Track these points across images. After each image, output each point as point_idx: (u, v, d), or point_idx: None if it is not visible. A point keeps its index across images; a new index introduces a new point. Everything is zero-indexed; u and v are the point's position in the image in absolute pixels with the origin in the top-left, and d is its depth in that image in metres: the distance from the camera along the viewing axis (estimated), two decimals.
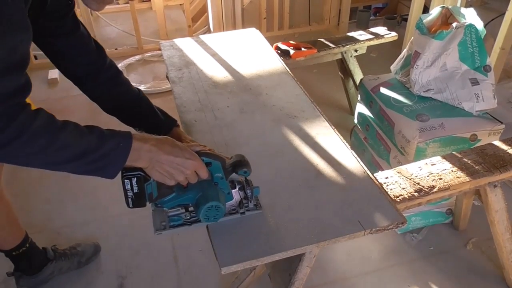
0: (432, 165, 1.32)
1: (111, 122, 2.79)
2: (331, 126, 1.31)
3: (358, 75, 2.35)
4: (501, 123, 1.60)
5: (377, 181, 1.10)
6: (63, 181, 2.13)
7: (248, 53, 1.76)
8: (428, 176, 1.27)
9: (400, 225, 0.97)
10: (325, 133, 1.27)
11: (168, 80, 1.60)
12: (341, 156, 1.18)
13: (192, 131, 1.29)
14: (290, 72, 1.61)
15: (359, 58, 2.35)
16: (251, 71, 1.62)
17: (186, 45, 1.82)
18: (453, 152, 1.38)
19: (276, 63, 1.67)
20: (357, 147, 2.03)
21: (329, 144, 1.23)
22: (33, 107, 0.78)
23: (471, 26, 1.59)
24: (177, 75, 1.59)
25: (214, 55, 1.74)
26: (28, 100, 0.79)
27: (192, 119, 1.35)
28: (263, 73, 1.60)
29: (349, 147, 1.22)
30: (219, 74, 1.61)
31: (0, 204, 1.48)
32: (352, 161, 1.16)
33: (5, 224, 1.51)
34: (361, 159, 1.17)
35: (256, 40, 1.87)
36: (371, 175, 1.11)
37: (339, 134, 1.27)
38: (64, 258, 1.65)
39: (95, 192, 2.06)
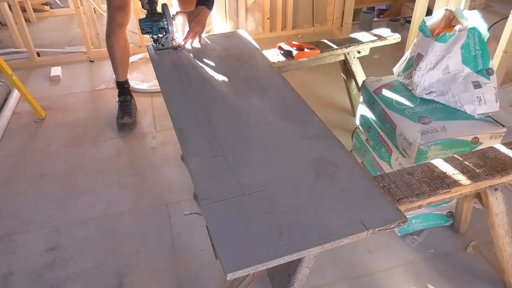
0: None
1: (111, 119, 2.77)
2: (326, 127, 1.30)
3: (360, 76, 2.35)
4: (503, 126, 1.60)
5: (378, 182, 1.10)
6: (63, 180, 2.13)
7: (237, 55, 1.74)
8: None
9: (402, 224, 0.97)
10: (321, 135, 1.27)
11: (159, 85, 1.58)
12: (339, 158, 1.17)
13: (187, 138, 1.27)
14: (280, 74, 1.59)
15: (362, 60, 2.35)
16: (241, 74, 1.61)
17: (173, 50, 1.82)
18: (455, 155, 1.38)
19: (266, 65, 1.66)
20: (359, 148, 2.02)
21: (325, 146, 1.22)
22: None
23: (474, 29, 1.59)
24: (167, 80, 1.58)
25: (203, 58, 1.73)
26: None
27: (185, 125, 1.33)
28: (254, 76, 1.59)
29: (345, 148, 1.21)
30: (210, 78, 1.60)
31: (126, 48, 2.41)
32: (351, 162, 1.16)
33: (127, 60, 2.46)
34: (362, 161, 1.17)
35: (245, 42, 1.85)
36: (371, 176, 1.11)
37: (334, 135, 1.27)
38: None
39: (96, 191, 2.07)
